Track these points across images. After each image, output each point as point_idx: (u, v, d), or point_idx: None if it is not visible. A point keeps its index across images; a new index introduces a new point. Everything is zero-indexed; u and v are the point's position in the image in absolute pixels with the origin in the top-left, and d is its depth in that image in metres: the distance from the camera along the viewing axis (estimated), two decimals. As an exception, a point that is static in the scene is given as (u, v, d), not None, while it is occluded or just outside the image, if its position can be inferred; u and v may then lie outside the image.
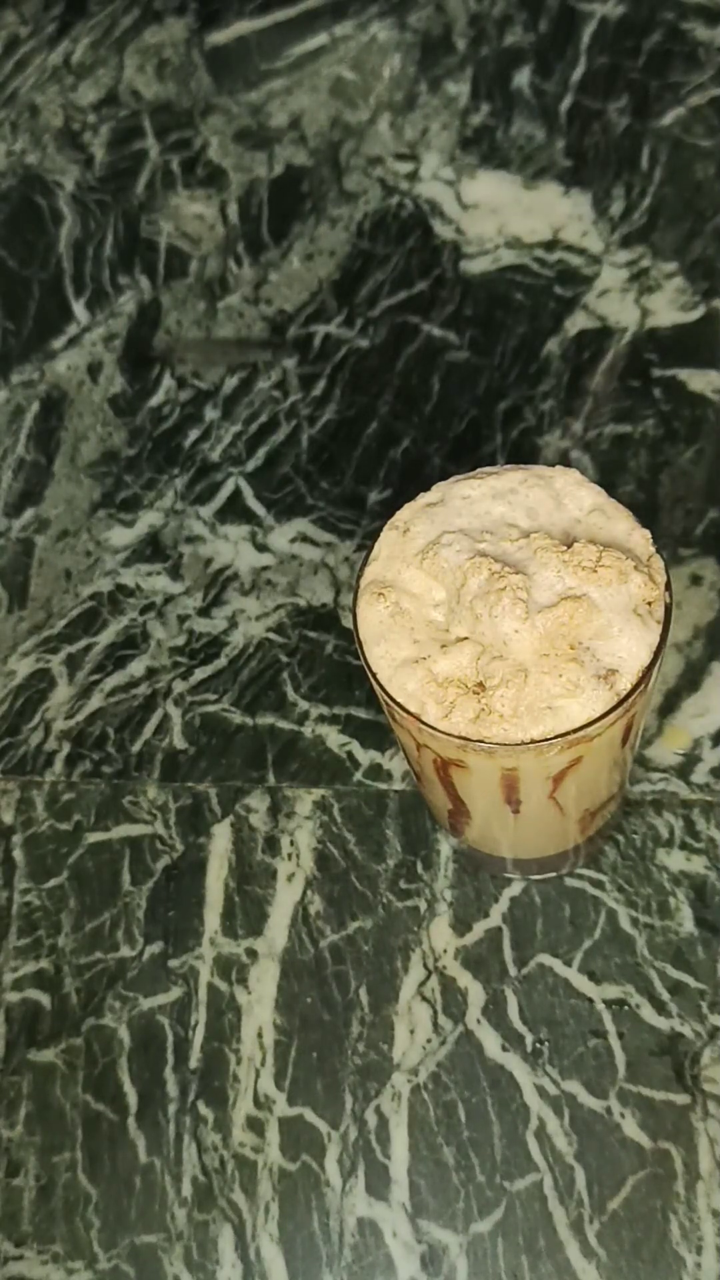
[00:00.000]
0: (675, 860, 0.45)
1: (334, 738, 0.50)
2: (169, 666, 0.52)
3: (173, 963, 0.46)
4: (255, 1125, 0.43)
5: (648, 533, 0.37)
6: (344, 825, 0.48)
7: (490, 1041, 0.44)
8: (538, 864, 0.45)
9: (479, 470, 0.39)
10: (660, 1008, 0.43)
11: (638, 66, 0.64)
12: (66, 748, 0.51)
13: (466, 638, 0.35)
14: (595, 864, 0.46)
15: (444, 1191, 0.42)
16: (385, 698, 0.35)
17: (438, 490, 0.38)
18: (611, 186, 0.61)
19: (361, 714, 0.50)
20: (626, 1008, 0.43)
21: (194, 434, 0.58)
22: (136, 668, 0.53)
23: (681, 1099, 0.42)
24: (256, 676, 0.52)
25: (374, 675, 0.36)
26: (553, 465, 0.39)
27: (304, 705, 0.51)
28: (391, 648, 0.36)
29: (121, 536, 0.56)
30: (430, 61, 0.67)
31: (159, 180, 0.66)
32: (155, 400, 0.59)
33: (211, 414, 0.58)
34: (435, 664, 0.35)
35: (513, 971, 0.44)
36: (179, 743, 0.51)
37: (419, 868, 0.47)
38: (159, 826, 0.49)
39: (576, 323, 0.58)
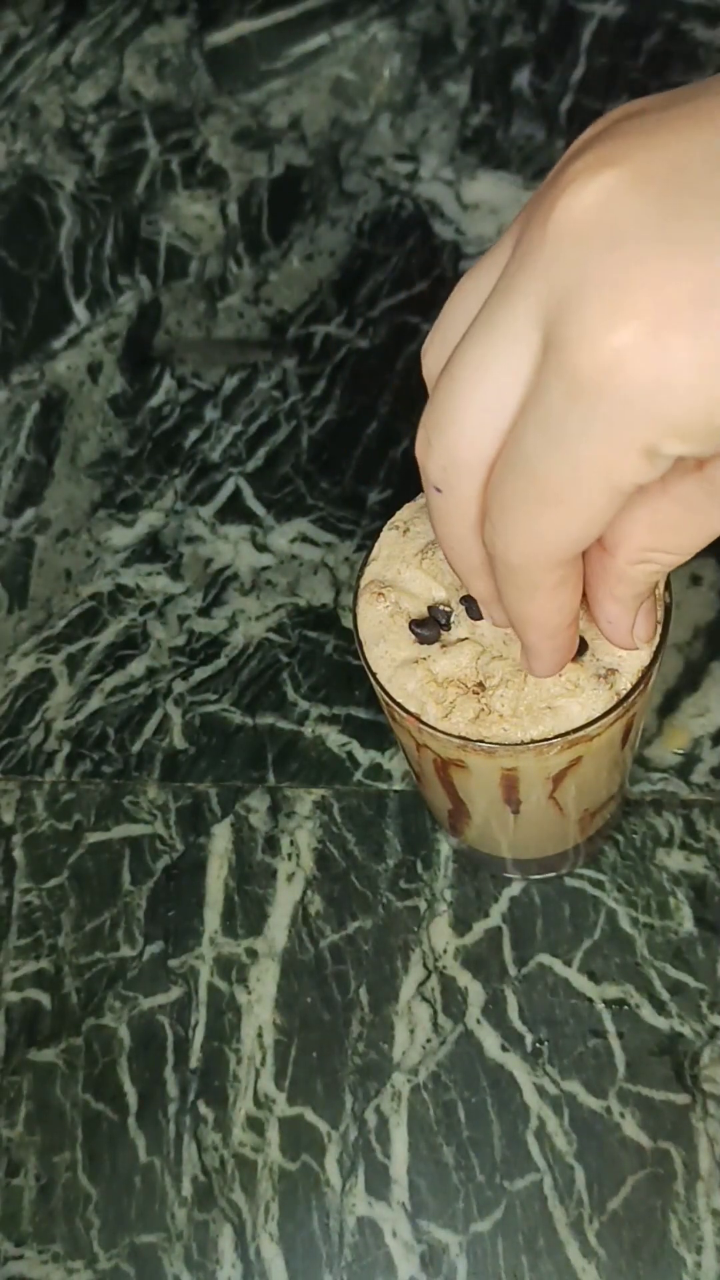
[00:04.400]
0: (675, 860, 0.45)
1: (334, 738, 0.50)
2: (169, 666, 0.52)
3: (173, 963, 0.46)
4: (255, 1125, 0.43)
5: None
6: (344, 825, 0.48)
7: (490, 1041, 0.44)
8: (538, 864, 0.45)
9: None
10: (660, 1008, 0.43)
11: (638, 67, 0.64)
12: (66, 748, 0.51)
13: (466, 638, 0.35)
14: (595, 864, 0.46)
15: (444, 1191, 0.42)
16: (385, 698, 0.35)
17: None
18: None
19: (361, 714, 0.50)
20: (626, 1008, 0.43)
21: (194, 434, 0.58)
22: (136, 668, 0.53)
23: (681, 1099, 0.42)
24: (256, 676, 0.52)
25: (374, 675, 0.36)
26: None
27: (304, 705, 0.51)
28: (391, 648, 0.36)
29: (121, 536, 0.56)
30: (430, 61, 0.67)
31: (159, 180, 0.66)
32: (155, 400, 0.59)
33: (211, 414, 0.58)
34: (435, 664, 0.35)
35: (513, 971, 0.44)
36: (179, 743, 0.51)
37: (419, 868, 0.47)
38: (159, 826, 0.49)
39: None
